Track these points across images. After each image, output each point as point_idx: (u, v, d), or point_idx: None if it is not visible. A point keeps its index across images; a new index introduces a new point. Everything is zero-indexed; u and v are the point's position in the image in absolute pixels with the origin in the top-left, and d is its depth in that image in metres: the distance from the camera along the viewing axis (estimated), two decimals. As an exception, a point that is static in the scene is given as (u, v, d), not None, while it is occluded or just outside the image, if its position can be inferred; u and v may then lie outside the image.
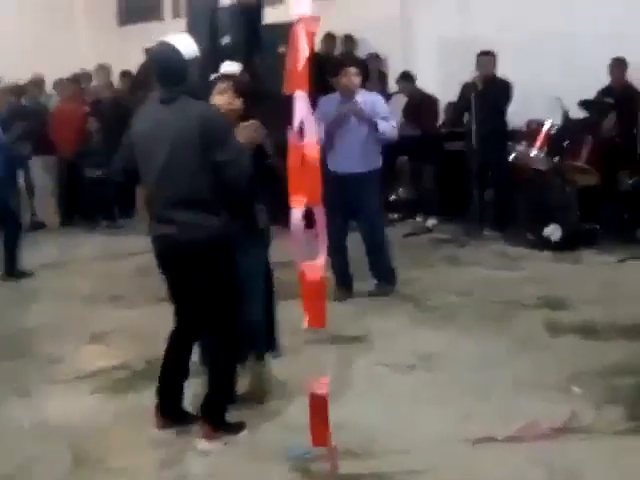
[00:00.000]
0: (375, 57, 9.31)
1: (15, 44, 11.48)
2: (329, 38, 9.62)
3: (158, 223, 3.61)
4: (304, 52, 2.51)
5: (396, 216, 8.57)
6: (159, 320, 4.22)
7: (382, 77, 9.33)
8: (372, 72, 8.92)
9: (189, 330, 3.81)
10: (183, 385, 3.85)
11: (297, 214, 2.52)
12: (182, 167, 3.47)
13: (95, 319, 5.69)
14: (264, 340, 4.25)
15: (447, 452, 3.51)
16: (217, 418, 3.69)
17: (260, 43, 9.26)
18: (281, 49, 9.32)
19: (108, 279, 6.84)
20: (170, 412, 3.82)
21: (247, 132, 3.79)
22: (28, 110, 9.29)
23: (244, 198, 3.80)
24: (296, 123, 2.54)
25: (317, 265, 2.55)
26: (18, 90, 9.63)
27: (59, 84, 9.56)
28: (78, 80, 9.52)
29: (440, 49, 9.27)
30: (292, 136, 2.58)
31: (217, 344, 3.72)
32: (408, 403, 4.05)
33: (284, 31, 9.44)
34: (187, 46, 3.56)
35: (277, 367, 4.32)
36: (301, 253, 2.56)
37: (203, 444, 3.64)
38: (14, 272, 6.94)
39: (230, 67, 9.01)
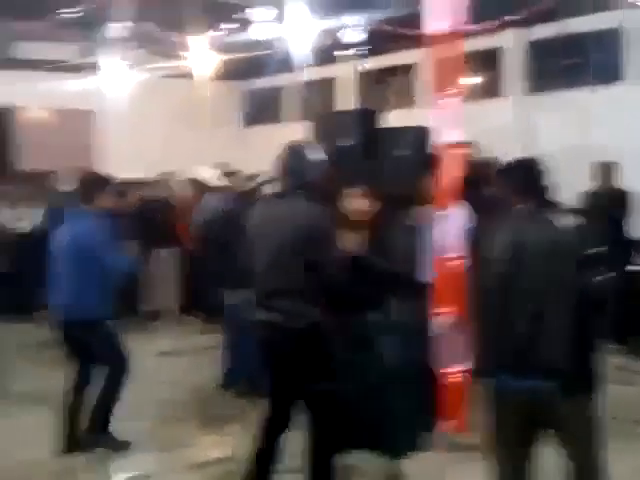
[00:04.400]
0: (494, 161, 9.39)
1: (146, 141, 12.30)
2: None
3: (260, 310, 3.77)
4: (456, 173, 2.66)
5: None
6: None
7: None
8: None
9: (281, 418, 3.87)
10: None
11: (443, 322, 2.62)
12: (287, 259, 3.66)
13: (209, 407, 5.81)
14: (396, 436, 4.00)
15: None
16: None
17: (378, 147, 9.51)
18: (398, 152, 9.59)
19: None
20: None
21: (347, 242, 3.91)
22: (155, 203, 9.81)
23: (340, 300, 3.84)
24: (447, 238, 2.66)
25: (459, 371, 2.61)
26: (147, 184, 10.21)
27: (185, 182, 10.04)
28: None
29: (560, 156, 9.25)
30: (441, 249, 2.70)
31: (315, 435, 3.77)
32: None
33: (402, 135, 9.70)
34: (314, 150, 3.87)
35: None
36: (444, 359, 2.63)
37: None
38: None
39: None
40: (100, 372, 5.00)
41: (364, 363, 3.96)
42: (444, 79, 2.78)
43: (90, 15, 9.57)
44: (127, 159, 11.46)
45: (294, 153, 3.88)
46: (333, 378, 3.76)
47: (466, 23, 3.77)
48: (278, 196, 3.88)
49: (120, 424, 5.39)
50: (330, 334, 3.74)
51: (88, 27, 9.98)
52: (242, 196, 8.29)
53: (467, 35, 3.73)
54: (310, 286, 3.64)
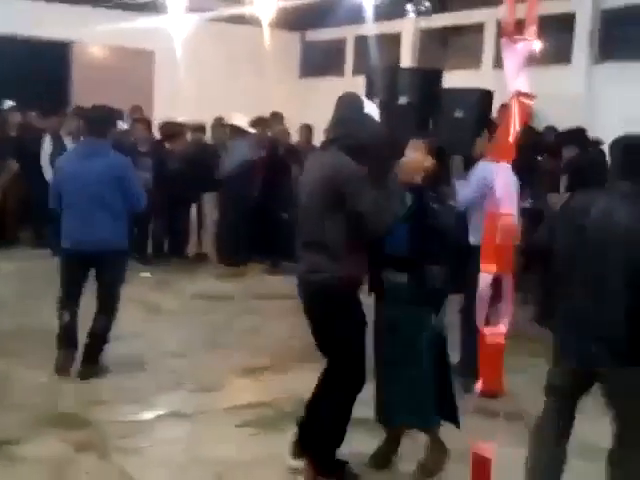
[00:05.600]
0: (552, 130, 9.15)
1: (202, 90, 12.19)
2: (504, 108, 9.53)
3: (297, 262, 3.82)
4: (516, 125, 2.52)
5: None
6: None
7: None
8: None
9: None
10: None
11: (486, 279, 2.51)
12: (313, 211, 3.61)
13: (245, 353, 5.78)
14: (433, 409, 3.77)
15: None
16: (320, 460, 3.70)
17: (438, 107, 9.28)
18: (457, 114, 9.35)
19: (263, 316, 6.87)
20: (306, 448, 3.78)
21: (407, 168, 3.75)
22: (209, 147, 9.76)
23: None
24: (498, 192, 2.54)
25: (498, 330, 2.51)
26: (200, 128, 10.13)
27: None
28: (258, 124, 9.79)
29: (624, 130, 8.94)
30: (491, 204, 2.58)
31: (331, 387, 3.70)
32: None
33: (462, 96, 9.49)
34: (367, 104, 3.74)
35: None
36: (484, 317, 2.53)
37: None
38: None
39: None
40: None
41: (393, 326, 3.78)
42: (518, 28, 2.65)
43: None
44: (183, 102, 11.40)
45: (346, 105, 3.73)
46: (356, 333, 3.67)
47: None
48: (322, 147, 3.81)
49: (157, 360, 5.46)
50: (354, 291, 3.66)
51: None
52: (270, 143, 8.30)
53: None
54: (335, 240, 3.54)
